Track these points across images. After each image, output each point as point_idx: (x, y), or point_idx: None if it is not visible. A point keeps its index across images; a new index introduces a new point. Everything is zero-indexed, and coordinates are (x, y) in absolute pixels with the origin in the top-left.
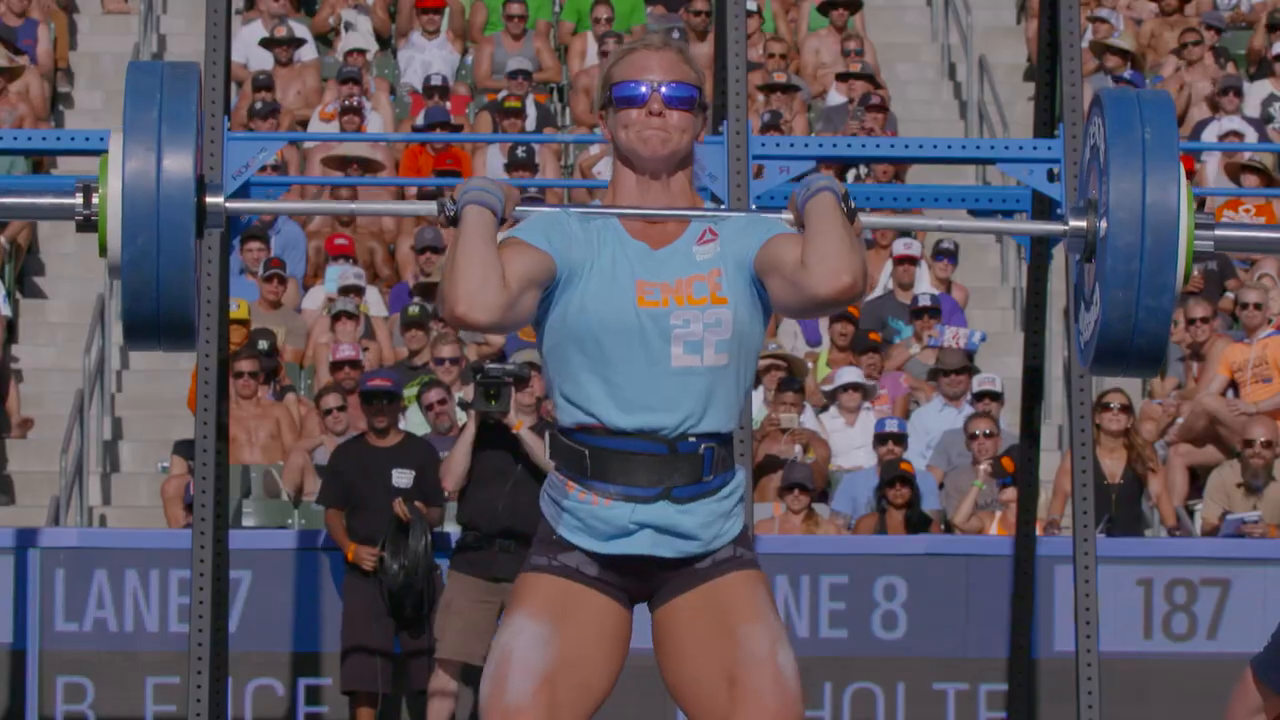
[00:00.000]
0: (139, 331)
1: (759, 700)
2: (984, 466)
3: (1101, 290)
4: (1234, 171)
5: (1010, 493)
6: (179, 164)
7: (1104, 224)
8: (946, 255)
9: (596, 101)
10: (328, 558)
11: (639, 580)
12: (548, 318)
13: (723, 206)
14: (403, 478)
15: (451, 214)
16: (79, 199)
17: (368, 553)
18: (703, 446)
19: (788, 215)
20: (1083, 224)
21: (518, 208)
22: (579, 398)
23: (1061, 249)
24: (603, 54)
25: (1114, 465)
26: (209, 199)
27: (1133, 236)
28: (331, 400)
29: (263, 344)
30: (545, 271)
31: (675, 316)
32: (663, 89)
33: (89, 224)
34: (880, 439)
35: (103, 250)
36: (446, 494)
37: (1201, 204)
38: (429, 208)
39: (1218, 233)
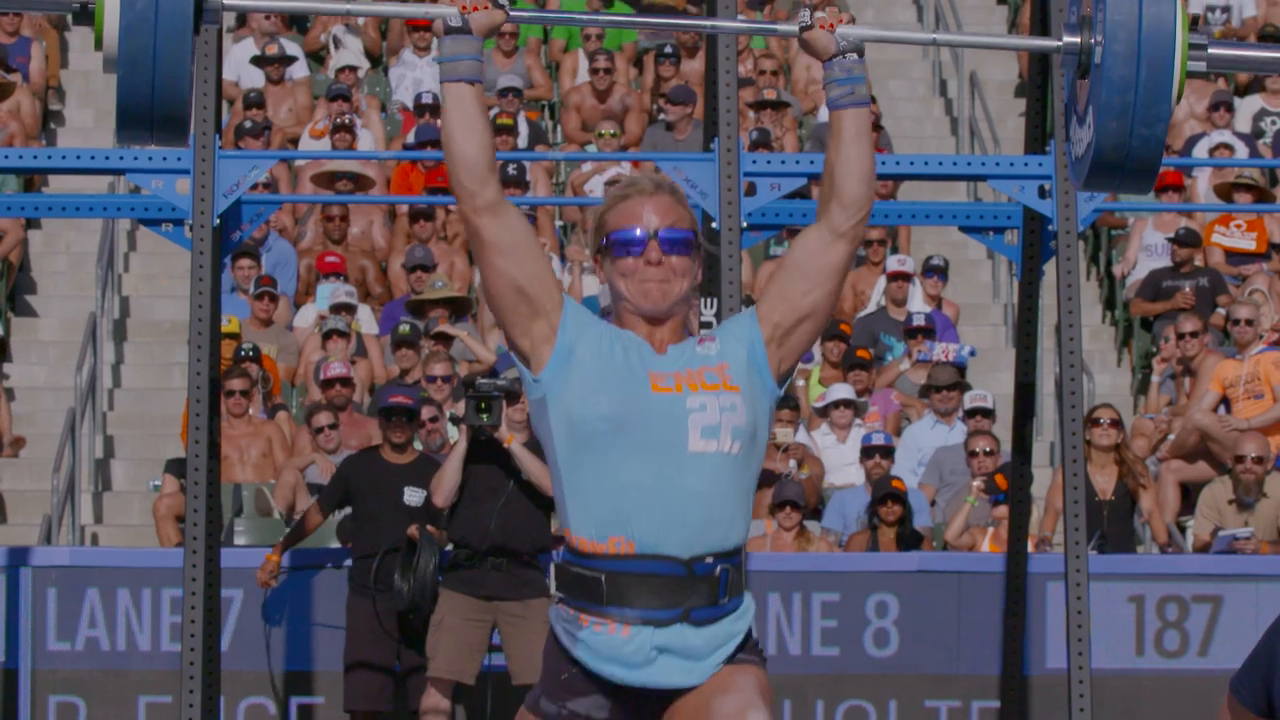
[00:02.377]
0: (133, 122)
1: None
2: (976, 483)
3: (1095, 117)
4: (1225, 191)
5: (1003, 510)
6: None
7: (1099, 49)
8: (937, 272)
9: (591, 245)
10: (320, 576)
11: (648, 715)
12: (552, 425)
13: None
14: (414, 496)
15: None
16: None
17: (270, 570)
18: (719, 568)
19: (796, 26)
20: (1076, 40)
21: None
22: (594, 509)
23: (1053, 265)
24: (593, 71)
25: (1105, 482)
26: None
27: (1128, 69)
28: (323, 418)
29: (245, 348)
30: (546, 265)
31: (691, 401)
32: (660, 236)
33: (85, 13)
34: (867, 452)
35: (98, 43)
36: (413, 506)
37: (1195, 22)
38: (440, 11)
39: (1211, 52)
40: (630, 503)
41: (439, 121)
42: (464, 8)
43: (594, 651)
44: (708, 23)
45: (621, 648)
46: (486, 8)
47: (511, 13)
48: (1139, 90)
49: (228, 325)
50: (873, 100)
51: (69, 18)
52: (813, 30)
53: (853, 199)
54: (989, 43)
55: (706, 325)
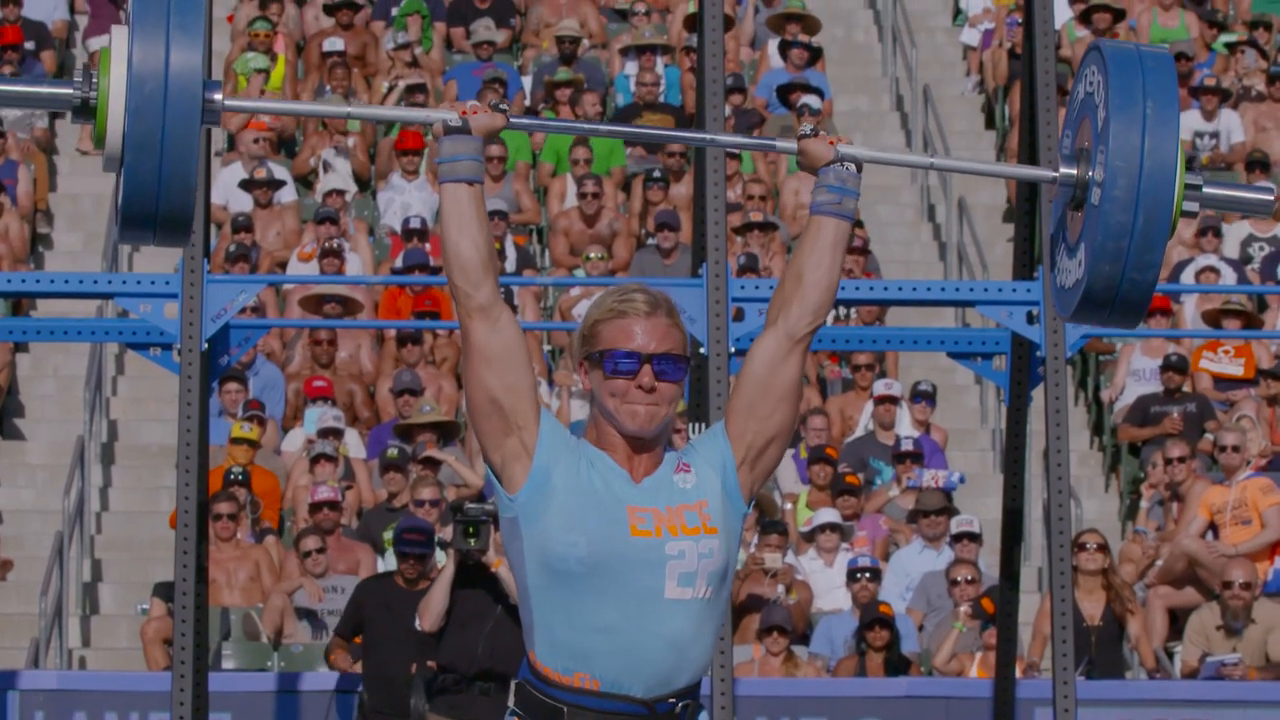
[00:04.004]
0: (136, 223)
1: None
2: (964, 609)
3: (1088, 258)
4: (1213, 317)
5: (992, 634)
6: (188, 55)
7: (1096, 189)
8: (925, 397)
9: (577, 351)
10: (308, 698)
11: None
12: (525, 551)
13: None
14: None
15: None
16: (79, 79)
17: (343, 657)
18: (680, 705)
19: (794, 141)
20: (1073, 171)
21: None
22: (561, 643)
23: (1041, 391)
24: (581, 195)
25: (1093, 607)
26: (209, 95)
27: (1126, 216)
28: (310, 543)
29: (235, 472)
30: (528, 380)
31: (670, 547)
32: (654, 362)
33: (86, 109)
34: (852, 575)
35: (99, 140)
36: (424, 633)
37: (1190, 163)
38: (439, 116)
39: (1206, 191)
40: (599, 643)
41: (427, 246)
42: (463, 112)
43: None
44: (707, 135)
45: None
46: (487, 111)
47: (512, 119)
48: (1134, 237)
49: (249, 432)
50: (859, 225)
51: (56, 141)
52: (809, 139)
53: (815, 304)
54: (984, 169)
55: None
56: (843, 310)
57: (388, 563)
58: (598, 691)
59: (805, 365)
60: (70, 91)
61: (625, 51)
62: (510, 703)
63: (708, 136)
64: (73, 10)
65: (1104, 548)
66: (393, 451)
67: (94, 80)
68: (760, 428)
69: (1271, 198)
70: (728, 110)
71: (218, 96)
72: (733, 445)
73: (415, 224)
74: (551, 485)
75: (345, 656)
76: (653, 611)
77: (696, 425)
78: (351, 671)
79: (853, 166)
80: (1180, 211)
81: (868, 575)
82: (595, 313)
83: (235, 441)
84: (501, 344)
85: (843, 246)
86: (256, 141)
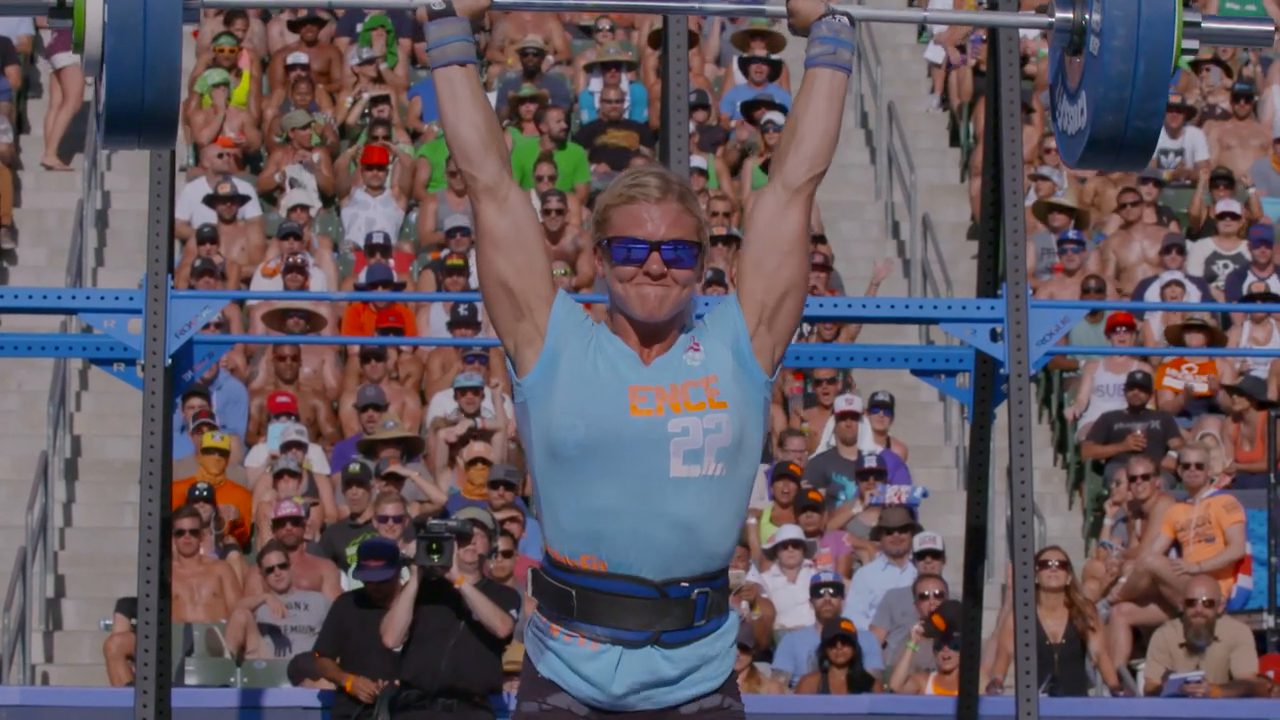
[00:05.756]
0: (120, 119)
1: None
2: (916, 627)
3: (1090, 108)
4: (1175, 333)
5: (946, 655)
6: None
7: (1094, 38)
8: (883, 408)
9: (592, 235)
10: (271, 716)
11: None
12: (532, 436)
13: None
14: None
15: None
16: None
17: (365, 683)
18: (695, 592)
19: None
20: (1069, 15)
21: None
22: (567, 527)
23: (1004, 408)
24: (545, 212)
25: (1055, 624)
26: None
27: (1127, 65)
28: (273, 558)
29: (200, 489)
30: (540, 261)
31: (673, 424)
32: (664, 249)
33: (63, 10)
34: (815, 590)
35: (78, 43)
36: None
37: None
38: (422, 0)
39: (1205, 27)
40: (605, 526)
41: (390, 261)
42: None
43: (561, 663)
44: (695, 4)
45: (588, 661)
46: None
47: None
48: (1136, 85)
49: (220, 441)
50: (822, 241)
51: (20, 156)
52: None
53: (811, 151)
54: (979, 20)
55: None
56: (807, 327)
57: (351, 578)
58: (605, 572)
59: (808, 220)
60: None
61: (590, 68)
62: (529, 591)
63: (695, 5)
64: (37, 26)
65: (1066, 565)
66: (355, 467)
67: None
68: (770, 284)
69: (1271, 28)
70: (692, 126)
71: None
72: (744, 310)
73: (379, 239)
74: (558, 369)
75: (350, 675)
76: (658, 491)
77: None
78: (327, 689)
79: (845, 19)
80: (1181, 51)
81: (831, 590)
82: (607, 197)
83: (207, 451)
84: (510, 224)
85: (839, 97)
86: (221, 156)
